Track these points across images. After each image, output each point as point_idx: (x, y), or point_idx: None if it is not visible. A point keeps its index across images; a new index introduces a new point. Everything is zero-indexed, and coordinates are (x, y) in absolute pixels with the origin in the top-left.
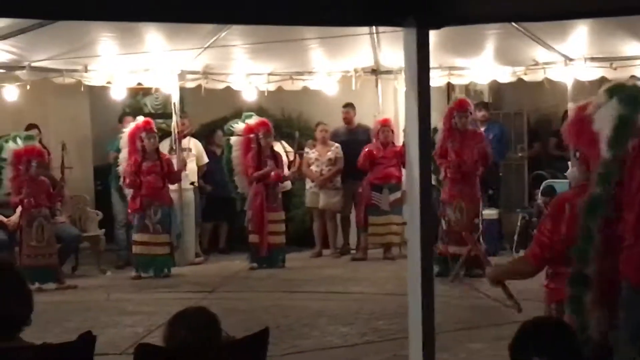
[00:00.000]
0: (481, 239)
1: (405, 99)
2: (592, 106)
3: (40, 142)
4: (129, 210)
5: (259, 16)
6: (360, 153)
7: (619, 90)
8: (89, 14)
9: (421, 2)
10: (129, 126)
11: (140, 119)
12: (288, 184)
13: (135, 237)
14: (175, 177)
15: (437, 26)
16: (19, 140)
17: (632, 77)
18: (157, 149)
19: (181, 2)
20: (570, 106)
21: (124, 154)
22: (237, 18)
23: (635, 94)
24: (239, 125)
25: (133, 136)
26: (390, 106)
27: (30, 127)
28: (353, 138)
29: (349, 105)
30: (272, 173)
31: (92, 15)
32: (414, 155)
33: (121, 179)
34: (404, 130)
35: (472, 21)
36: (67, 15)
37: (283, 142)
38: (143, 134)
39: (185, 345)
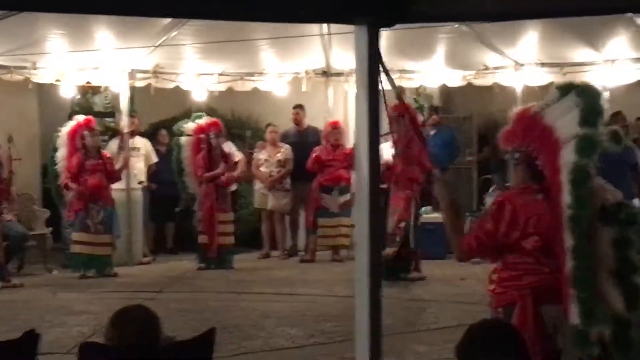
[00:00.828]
0: (412, 242)
1: (355, 98)
2: (539, 105)
3: None
4: (69, 211)
5: (208, 11)
6: (309, 155)
7: (570, 87)
8: (40, 5)
9: (373, 1)
10: (68, 124)
11: (81, 117)
12: (234, 185)
13: (76, 236)
14: (116, 176)
15: (388, 25)
16: None
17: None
18: (99, 148)
19: None
20: None
21: (61, 153)
22: (186, 12)
23: (590, 88)
24: (189, 125)
25: (74, 134)
26: (341, 108)
27: None
28: (303, 140)
29: (298, 107)
30: (224, 177)
31: (46, 6)
32: (363, 155)
33: (59, 178)
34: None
35: (424, 20)
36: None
37: (230, 143)
38: (85, 132)
39: (130, 344)
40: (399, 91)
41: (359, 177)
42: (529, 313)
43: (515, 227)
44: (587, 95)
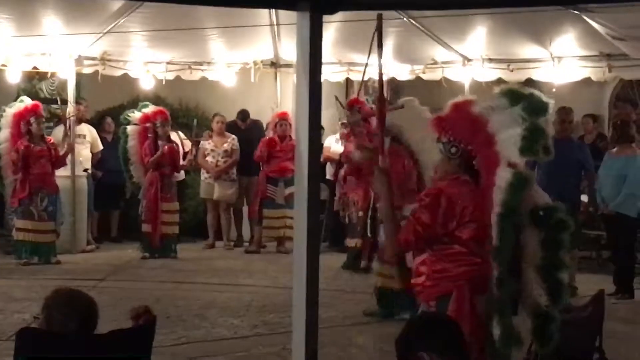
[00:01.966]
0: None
1: (296, 87)
2: (484, 106)
3: None
4: (13, 197)
5: None
6: (254, 148)
7: (519, 97)
8: None
9: None
10: (15, 106)
11: (27, 101)
12: (182, 174)
13: (19, 223)
14: (60, 162)
15: (331, 11)
16: None
17: (528, 79)
18: (42, 135)
19: None
20: None
21: (4, 134)
22: None
23: (539, 102)
24: (135, 115)
25: (19, 118)
26: (289, 100)
27: None
28: (247, 135)
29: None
30: (165, 148)
31: None
32: (303, 145)
33: (1, 160)
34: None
35: (366, 7)
36: None
37: (179, 132)
38: (32, 119)
39: (69, 330)
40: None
41: (299, 168)
42: (465, 303)
43: (452, 217)
44: (532, 113)
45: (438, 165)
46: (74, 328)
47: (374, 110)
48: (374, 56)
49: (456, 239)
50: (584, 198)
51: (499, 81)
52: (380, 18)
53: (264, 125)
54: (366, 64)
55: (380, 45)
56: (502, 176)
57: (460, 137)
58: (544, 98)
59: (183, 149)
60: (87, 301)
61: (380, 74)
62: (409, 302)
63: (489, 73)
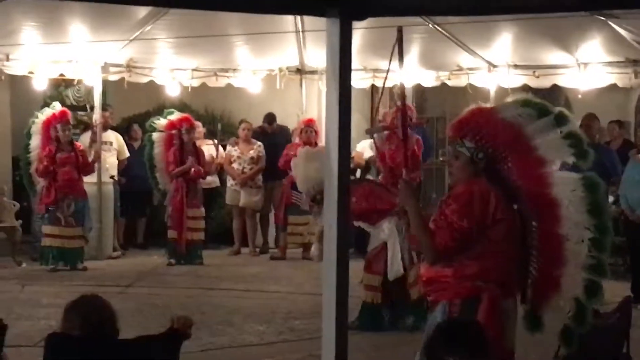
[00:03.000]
0: None
1: (326, 93)
2: (511, 114)
3: None
4: (40, 203)
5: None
6: (280, 153)
7: (547, 110)
8: None
9: None
10: (44, 112)
11: (57, 107)
12: (216, 181)
13: (46, 229)
14: (89, 168)
15: (360, 17)
16: None
17: (554, 85)
18: (71, 141)
19: None
20: None
21: (35, 141)
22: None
23: (565, 115)
24: (161, 122)
25: (48, 125)
26: (314, 106)
27: None
28: (274, 140)
29: (272, 119)
30: (192, 170)
31: None
32: (333, 150)
33: (32, 167)
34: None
35: (395, 13)
36: None
37: (214, 140)
38: (58, 125)
39: (98, 335)
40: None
41: (329, 174)
42: (497, 309)
43: (486, 215)
44: (563, 122)
45: (456, 168)
46: (89, 332)
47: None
48: (397, 62)
49: (488, 236)
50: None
51: (524, 87)
52: (400, 31)
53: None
54: (387, 72)
55: (401, 58)
56: (567, 177)
57: (490, 142)
58: (566, 112)
59: (216, 152)
60: (102, 306)
61: (403, 88)
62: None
63: (515, 79)
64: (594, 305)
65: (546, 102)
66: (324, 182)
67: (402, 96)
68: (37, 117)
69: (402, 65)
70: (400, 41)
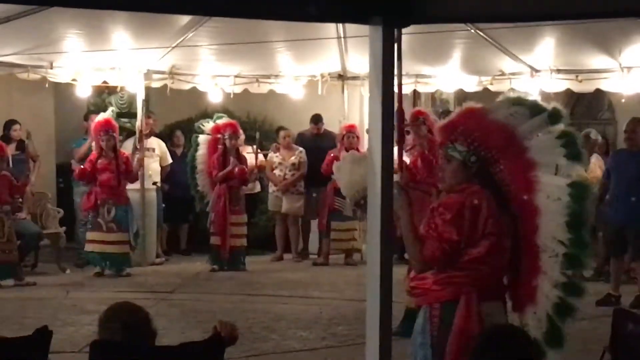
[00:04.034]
0: None
1: (369, 100)
2: (502, 114)
3: (20, 138)
4: (83, 209)
5: (219, 7)
6: (324, 158)
7: (540, 108)
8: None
9: (388, 1)
10: (100, 116)
11: (102, 115)
12: (257, 187)
13: (88, 235)
14: (132, 176)
15: (403, 25)
16: None
17: (597, 90)
18: (115, 148)
19: None
20: None
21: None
22: (197, 9)
23: (559, 113)
24: (209, 125)
25: (95, 133)
26: (356, 112)
27: (10, 123)
28: (318, 144)
29: (319, 119)
30: (236, 169)
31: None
32: (376, 157)
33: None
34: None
35: (439, 20)
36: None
37: (253, 147)
38: (101, 134)
39: (139, 338)
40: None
41: (372, 180)
42: (473, 310)
43: (476, 229)
44: (557, 120)
45: (447, 172)
46: (130, 337)
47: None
48: (440, 67)
49: (475, 249)
50: None
51: (567, 92)
52: (400, 32)
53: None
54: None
55: (399, 58)
56: (554, 184)
57: (483, 144)
58: (560, 107)
59: (256, 161)
60: (135, 309)
61: (400, 87)
62: None
63: (557, 84)
64: (566, 324)
65: (538, 101)
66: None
67: (399, 97)
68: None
69: (400, 66)
70: (399, 42)
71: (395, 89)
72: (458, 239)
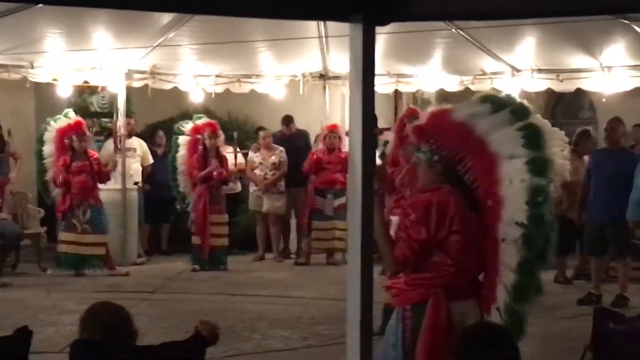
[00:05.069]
0: None
1: (349, 97)
2: (464, 113)
3: (1, 138)
4: (57, 212)
5: (201, 5)
6: (299, 158)
7: (503, 103)
8: None
9: None
10: (58, 120)
11: (71, 115)
12: (238, 187)
13: (62, 236)
14: (105, 176)
15: (383, 23)
16: None
17: (578, 89)
18: (86, 149)
19: None
20: None
21: (49, 149)
22: (179, 6)
23: (523, 107)
24: (188, 125)
25: (63, 135)
26: (338, 112)
27: None
28: (291, 143)
29: (289, 119)
30: (215, 172)
31: None
32: (356, 156)
33: (47, 174)
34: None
35: (420, 18)
36: None
37: (235, 146)
38: (74, 136)
39: (119, 337)
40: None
41: (352, 180)
42: (442, 310)
43: (442, 227)
44: (522, 116)
45: (419, 175)
46: (111, 336)
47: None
48: (422, 67)
49: (442, 249)
50: None
51: (548, 91)
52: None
53: (312, 137)
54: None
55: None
56: (513, 168)
57: (443, 144)
58: (526, 104)
59: (235, 161)
60: (116, 308)
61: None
62: None
63: (538, 83)
64: (523, 308)
65: (505, 97)
66: (348, 187)
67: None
68: (49, 125)
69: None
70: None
71: (412, 89)
72: (426, 237)
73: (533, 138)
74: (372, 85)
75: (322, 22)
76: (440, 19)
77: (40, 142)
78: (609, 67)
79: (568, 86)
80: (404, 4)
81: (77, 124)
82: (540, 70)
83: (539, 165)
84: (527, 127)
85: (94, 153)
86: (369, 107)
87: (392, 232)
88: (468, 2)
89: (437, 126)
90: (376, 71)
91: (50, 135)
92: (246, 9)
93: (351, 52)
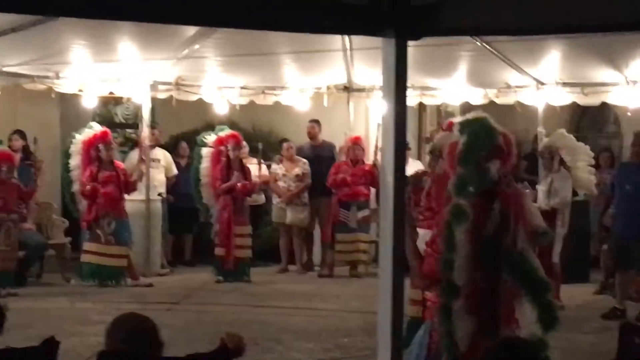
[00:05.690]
0: None
1: (382, 112)
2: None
3: (25, 148)
4: (83, 221)
5: (231, 19)
6: (324, 170)
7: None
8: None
9: (400, 13)
10: (84, 133)
11: (96, 127)
12: (261, 198)
13: (86, 246)
14: (131, 186)
15: (415, 37)
16: None
17: (603, 103)
18: (112, 160)
19: (158, 2)
20: (540, 130)
21: (75, 161)
22: (209, 20)
23: (475, 121)
24: (211, 137)
25: (89, 145)
26: (362, 124)
27: (15, 133)
28: (317, 155)
29: (314, 121)
30: (239, 184)
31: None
32: (388, 169)
33: (74, 186)
34: (375, 147)
35: (450, 33)
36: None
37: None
38: (100, 146)
39: (145, 348)
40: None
41: (385, 193)
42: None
43: None
44: (468, 129)
45: (443, 188)
46: (137, 347)
47: None
48: (446, 80)
49: None
50: None
51: (573, 105)
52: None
53: (337, 149)
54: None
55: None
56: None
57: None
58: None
59: (259, 170)
60: (143, 319)
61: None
62: None
63: (563, 97)
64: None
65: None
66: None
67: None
68: (75, 137)
69: None
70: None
71: (437, 102)
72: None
73: (466, 152)
74: (404, 99)
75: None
76: (471, 33)
77: (66, 155)
78: (634, 81)
79: (593, 100)
80: (436, 19)
81: (103, 134)
82: (565, 84)
83: (459, 183)
84: (466, 142)
85: (120, 163)
86: (402, 121)
87: (420, 245)
88: (499, 17)
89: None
90: None
91: (75, 147)
92: (277, 24)
93: (384, 66)
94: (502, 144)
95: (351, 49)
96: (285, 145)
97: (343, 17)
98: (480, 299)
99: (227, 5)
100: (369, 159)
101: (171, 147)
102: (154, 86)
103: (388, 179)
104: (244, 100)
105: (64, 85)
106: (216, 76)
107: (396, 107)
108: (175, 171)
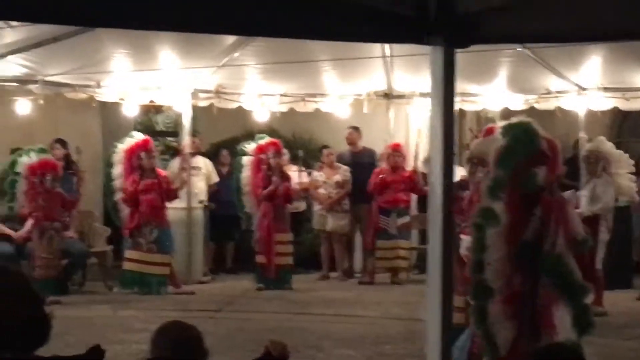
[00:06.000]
0: None
1: (430, 120)
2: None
3: (67, 157)
4: (125, 229)
5: (273, 28)
6: (365, 176)
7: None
8: (106, 21)
9: (448, 21)
10: (126, 142)
11: (138, 135)
12: (302, 205)
13: (127, 253)
14: (173, 194)
15: (463, 45)
16: (32, 154)
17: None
18: (154, 167)
19: (198, 13)
20: (582, 135)
21: (118, 170)
22: (249, 29)
23: (516, 125)
24: (251, 146)
25: (131, 154)
26: (402, 131)
27: (56, 142)
28: (357, 161)
29: (353, 128)
30: (279, 187)
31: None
32: (437, 177)
33: (116, 195)
34: (415, 154)
35: (498, 41)
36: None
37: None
38: (142, 154)
39: (190, 357)
40: None
41: (433, 200)
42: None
43: None
44: (510, 133)
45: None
46: (181, 355)
47: None
48: (486, 85)
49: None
50: None
51: (614, 110)
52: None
53: (377, 155)
54: None
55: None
56: None
57: None
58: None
59: (299, 178)
60: (188, 327)
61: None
62: None
63: (604, 102)
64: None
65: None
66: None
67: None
68: (117, 146)
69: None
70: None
71: (477, 107)
72: None
73: (502, 156)
74: (452, 107)
75: None
76: (519, 41)
77: (108, 164)
78: None
79: (634, 105)
80: (484, 26)
81: (145, 142)
82: (606, 89)
83: (492, 185)
84: (504, 146)
85: (162, 171)
86: (449, 129)
87: (462, 252)
88: (546, 25)
89: None
90: None
91: (118, 156)
92: (323, 32)
93: (432, 75)
94: (547, 149)
95: (391, 56)
96: (325, 152)
97: (390, 26)
98: (520, 304)
99: (269, 14)
100: (409, 166)
101: (212, 155)
102: (194, 94)
103: (436, 186)
104: (284, 108)
105: (105, 94)
106: (256, 84)
107: (444, 116)
108: (216, 179)
